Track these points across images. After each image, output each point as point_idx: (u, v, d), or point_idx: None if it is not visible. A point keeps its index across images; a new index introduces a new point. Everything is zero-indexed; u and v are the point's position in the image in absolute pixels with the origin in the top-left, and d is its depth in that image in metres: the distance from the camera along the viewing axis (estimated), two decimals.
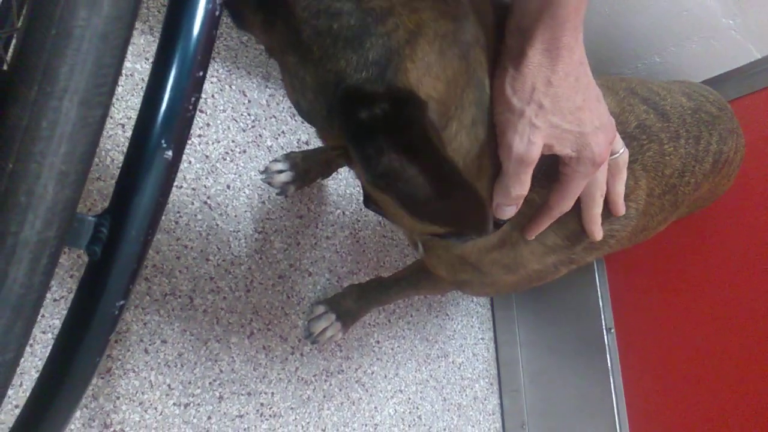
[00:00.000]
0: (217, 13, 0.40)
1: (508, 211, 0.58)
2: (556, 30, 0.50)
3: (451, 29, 0.49)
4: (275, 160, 1.23)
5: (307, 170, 1.24)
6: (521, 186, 0.55)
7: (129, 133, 1.05)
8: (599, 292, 1.37)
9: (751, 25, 1.14)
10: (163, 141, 0.39)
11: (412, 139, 0.44)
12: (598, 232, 0.66)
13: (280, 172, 1.22)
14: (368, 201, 0.68)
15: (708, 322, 1.18)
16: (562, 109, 0.52)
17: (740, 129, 1.02)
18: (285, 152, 1.25)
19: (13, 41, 0.82)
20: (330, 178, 1.32)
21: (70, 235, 0.37)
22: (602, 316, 1.35)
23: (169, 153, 0.39)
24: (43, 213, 0.32)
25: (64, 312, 0.92)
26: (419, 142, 0.44)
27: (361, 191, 0.71)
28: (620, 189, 0.65)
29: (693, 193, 0.90)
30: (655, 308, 1.28)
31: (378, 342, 1.34)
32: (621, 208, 0.66)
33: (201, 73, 0.40)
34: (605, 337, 1.34)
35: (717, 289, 1.17)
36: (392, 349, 1.36)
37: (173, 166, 0.40)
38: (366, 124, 0.46)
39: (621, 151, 0.64)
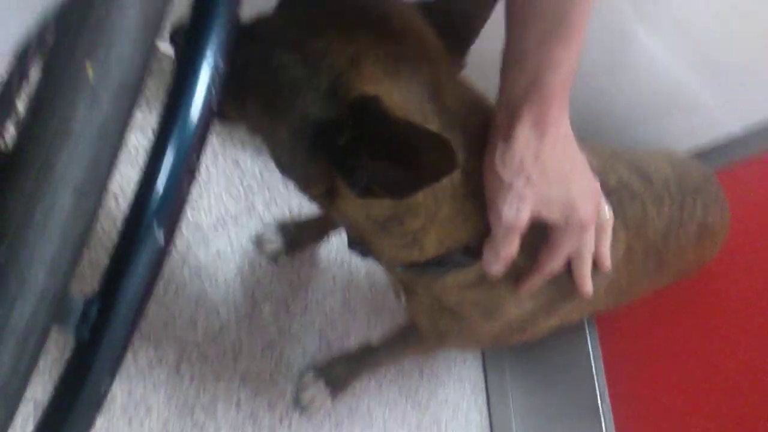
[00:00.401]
0: (214, 97, 0.42)
1: (497, 269, 0.61)
2: (543, 106, 0.53)
3: (393, 50, 0.53)
4: (267, 229, 1.24)
5: (299, 238, 1.24)
6: (510, 248, 0.58)
7: (123, 205, 1.06)
8: (591, 357, 1.36)
9: (729, 99, 1.18)
10: (155, 223, 0.40)
11: (378, 131, 0.48)
12: (588, 288, 0.68)
13: (272, 241, 1.23)
14: (352, 243, 0.71)
15: (703, 386, 1.17)
16: (549, 180, 0.55)
17: (725, 199, 1.04)
18: (276, 221, 1.26)
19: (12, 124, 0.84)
20: (320, 245, 1.33)
21: (59, 317, 0.37)
22: (595, 382, 1.34)
23: (161, 235, 0.40)
24: (32, 300, 0.33)
25: (48, 384, 0.91)
26: (382, 130, 0.48)
27: (346, 240, 0.73)
28: (605, 247, 0.68)
29: (678, 260, 0.91)
30: (649, 372, 1.27)
31: (369, 409, 1.31)
32: (607, 264, 0.69)
33: (196, 157, 0.41)
34: (599, 402, 1.32)
35: (711, 352, 1.17)
36: (383, 416, 1.33)
37: (165, 249, 0.40)
38: (344, 147, 0.50)
39: (607, 213, 0.67)
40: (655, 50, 1.06)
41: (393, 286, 0.84)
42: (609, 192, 0.72)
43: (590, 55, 1.08)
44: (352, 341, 1.33)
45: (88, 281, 0.98)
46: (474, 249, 0.61)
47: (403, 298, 0.80)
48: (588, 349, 1.37)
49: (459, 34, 0.58)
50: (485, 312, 0.72)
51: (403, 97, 0.53)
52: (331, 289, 1.34)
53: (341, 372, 1.19)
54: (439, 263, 0.64)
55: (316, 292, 1.31)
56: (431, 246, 0.61)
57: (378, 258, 0.70)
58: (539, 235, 0.61)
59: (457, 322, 0.76)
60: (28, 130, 0.32)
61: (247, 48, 0.53)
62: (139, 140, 1.13)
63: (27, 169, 0.32)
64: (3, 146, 0.72)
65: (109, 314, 0.38)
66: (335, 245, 1.39)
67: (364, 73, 0.52)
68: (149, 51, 0.35)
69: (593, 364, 1.35)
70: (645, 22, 1.01)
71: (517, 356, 1.53)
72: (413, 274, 0.70)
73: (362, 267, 1.43)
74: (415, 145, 0.46)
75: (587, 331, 1.38)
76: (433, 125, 0.54)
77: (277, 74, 0.53)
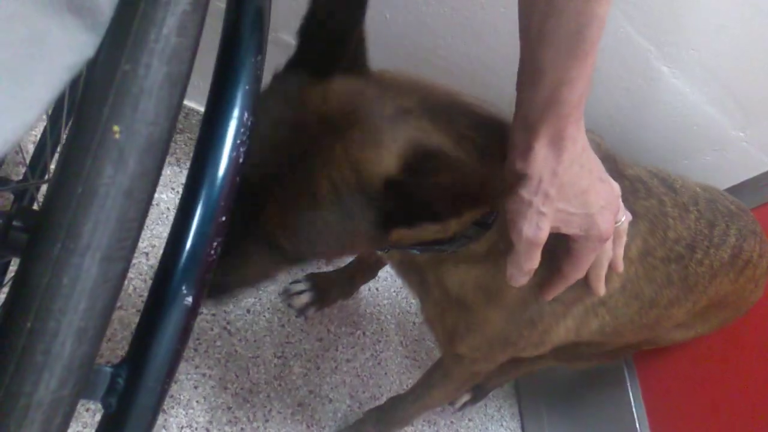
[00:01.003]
0: (240, 160, 0.41)
1: (521, 281, 0.63)
2: (560, 123, 0.53)
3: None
4: (295, 281, 1.23)
5: (328, 291, 1.23)
6: (532, 262, 0.60)
7: (153, 261, 1.06)
8: (634, 410, 1.30)
9: (762, 136, 1.16)
10: (183, 287, 0.39)
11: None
12: (601, 288, 0.70)
13: (301, 293, 1.22)
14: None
15: (749, 424, 1.10)
16: (567, 196, 0.56)
17: (764, 235, 1.00)
18: (305, 274, 1.25)
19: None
20: (350, 298, 1.31)
21: (86, 387, 0.36)
22: (636, 421, 1.27)
23: (189, 299, 0.39)
24: (59, 371, 0.31)
25: None
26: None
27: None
28: (620, 250, 0.69)
29: (709, 281, 0.88)
30: (695, 423, 1.20)
31: None
32: (620, 266, 0.70)
33: (224, 218, 0.40)
34: None
35: (755, 396, 1.10)
36: None
37: (193, 312, 0.39)
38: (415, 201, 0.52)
39: (623, 219, 0.67)
40: (683, 88, 1.05)
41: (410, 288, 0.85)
42: (622, 179, 0.74)
43: (616, 95, 1.08)
44: (384, 400, 1.29)
45: (118, 341, 0.97)
46: (485, 221, 0.63)
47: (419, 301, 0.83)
48: (629, 397, 1.31)
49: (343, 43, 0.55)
50: (488, 294, 0.72)
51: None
52: (362, 346, 1.31)
53: (371, 430, 1.14)
54: (454, 239, 0.64)
55: (346, 349, 1.28)
56: (455, 224, 0.62)
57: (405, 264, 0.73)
58: (558, 239, 0.62)
59: (463, 315, 0.76)
60: (54, 192, 0.32)
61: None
62: (169, 197, 1.14)
63: (53, 233, 0.31)
64: (38, 206, 0.73)
65: (137, 383, 0.37)
66: (364, 299, 1.36)
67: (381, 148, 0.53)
68: (176, 110, 0.34)
69: (635, 412, 1.29)
70: (669, 62, 1.00)
71: (557, 411, 1.47)
72: (431, 254, 0.70)
73: (392, 321, 1.40)
74: (473, 183, 0.49)
75: (627, 377, 1.32)
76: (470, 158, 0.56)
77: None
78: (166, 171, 1.16)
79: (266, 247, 0.55)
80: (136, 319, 0.40)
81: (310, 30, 0.54)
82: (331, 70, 0.53)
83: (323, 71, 0.53)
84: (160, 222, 1.11)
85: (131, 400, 0.37)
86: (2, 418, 0.30)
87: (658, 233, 0.79)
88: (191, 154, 0.42)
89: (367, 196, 0.52)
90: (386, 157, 0.51)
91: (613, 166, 0.75)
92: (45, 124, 0.87)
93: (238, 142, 0.42)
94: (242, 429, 1.07)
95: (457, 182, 0.49)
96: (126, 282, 1.11)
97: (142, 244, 1.07)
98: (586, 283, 0.69)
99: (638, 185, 0.78)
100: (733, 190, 1.22)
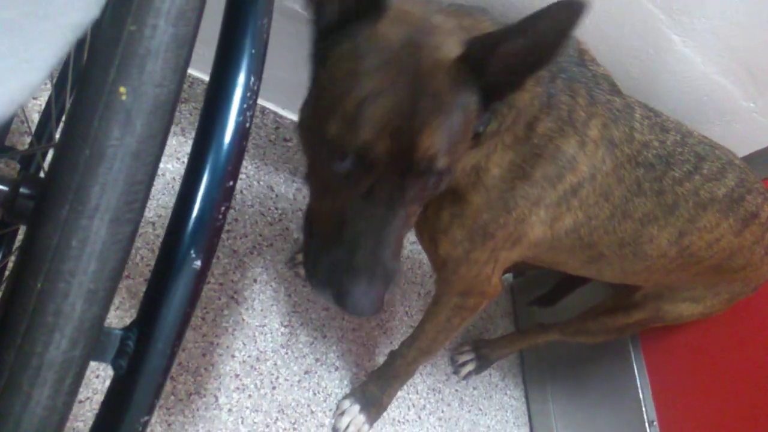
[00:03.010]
0: (247, 125, 0.41)
1: None
2: None
3: None
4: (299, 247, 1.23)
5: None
6: None
7: (159, 231, 1.06)
8: (639, 384, 1.30)
9: None
10: (192, 251, 0.39)
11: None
12: None
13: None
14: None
15: (755, 414, 1.10)
16: None
17: None
18: None
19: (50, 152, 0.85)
20: None
21: (96, 349, 0.36)
22: (644, 409, 1.28)
23: (198, 263, 0.39)
24: (69, 332, 0.32)
25: (88, 414, 0.91)
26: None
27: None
28: None
29: (696, 210, 0.90)
30: (699, 399, 1.21)
31: None
32: None
33: (231, 183, 0.40)
34: (648, 430, 1.26)
35: (762, 380, 1.11)
36: None
37: (202, 275, 0.39)
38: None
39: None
40: (694, 58, 1.04)
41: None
42: (586, 70, 0.81)
43: (626, 64, 1.07)
44: None
45: (126, 309, 0.98)
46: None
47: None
48: (635, 376, 1.31)
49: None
50: (476, 175, 0.79)
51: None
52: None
53: (374, 390, 1.16)
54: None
55: (352, 319, 1.29)
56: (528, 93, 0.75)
57: None
58: None
59: (451, 206, 0.83)
60: (62, 155, 0.32)
61: None
62: (175, 167, 1.14)
63: (62, 196, 0.31)
64: (42, 173, 0.73)
65: (147, 345, 0.37)
66: None
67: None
68: (182, 72, 0.34)
69: (640, 390, 1.30)
70: (680, 31, 0.99)
71: (561, 383, 1.48)
72: None
73: (398, 292, 1.41)
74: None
75: (632, 355, 1.33)
76: None
77: None
78: (171, 141, 1.15)
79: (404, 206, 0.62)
80: (144, 288, 0.40)
81: None
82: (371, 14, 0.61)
83: (369, 16, 0.61)
84: (166, 192, 1.11)
85: (141, 362, 0.38)
86: (15, 377, 0.31)
87: (622, 127, 0.82)
88: (196, 124, 0.42)
89: (463, 85, 0.61)
90: (454, 49, 0.61)
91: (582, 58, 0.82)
92: (50, 92, 0.86)
93: (245, 106, 0.41)
94: (250, 396, 1.08)
95: (517, 47, 0.58)
96: (133, 251, 1.12)
97: (149, 214, 1.08)
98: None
99: (603, 82, 0.82)
100: (743, 161, 1.21)
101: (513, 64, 0.60)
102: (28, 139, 0.99)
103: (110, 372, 0.39)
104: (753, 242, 0.97)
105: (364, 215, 0.61)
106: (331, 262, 0.61)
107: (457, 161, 0.66)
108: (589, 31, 0.97)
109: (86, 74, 0.32)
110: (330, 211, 0.63)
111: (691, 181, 0.88)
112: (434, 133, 0.58)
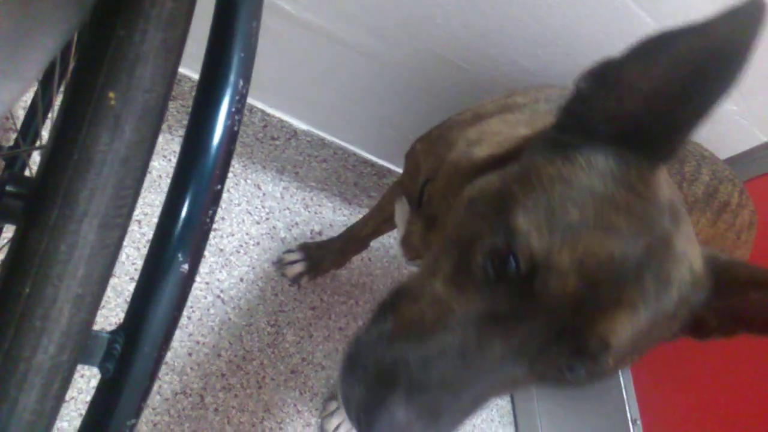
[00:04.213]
0: (235, 128, 0.41)
1: None
2: None
3: None
4: (289, 251, 1.23)
5: (321, 260, 1.23)
6: None
7: (145, 229, 1.06)
8: (622, 383, 1.32)
9: (755, 110, 1.16)
10: (179, 255, 0.39)
11: None
12: None
13: (294, 262, 1.22)
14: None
15: (737, 411, 1.12)
16: None
17: (743, 185, 1.02)
18: (299, 243, 1.26)
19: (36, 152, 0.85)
20: (343, 268, 1.31)
21: (84, 352, 0.36)
22: (627, 408, 1.30)
23: (185, 266, 0.39)
24: (57, 337, 0.32)
25: (73, 413, 0.90)
26: None
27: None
28: None
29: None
30: (682, 397, 1.22)
31: None
32: None
33: (219, 187, 0.40)
34: (631, 428, 1.28)
35: (745, 377, 1.13)
36: None
37: (189, 279, 0.39)
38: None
39: None
40: None
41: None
42: None
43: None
44: None
45: (112, 308, 0.97)
46: None
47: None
48: (618, 373, 1.33)
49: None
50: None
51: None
52: (354, 315, 1.33)
53: None
54: None
55: (339, 318, 1.30)
56: None
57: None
58: None
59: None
60: (50, 159, 0.32)
61: None
62: (162, 165, 1.13)
63: (50, 200, 0.31)
64: (30, 174, 0.73)
65: (134, 348, 0.37)
66: (357, 269, 1.37)
67: None
68: (171, 76, 0.34)
69: (624, 389, 1.31)
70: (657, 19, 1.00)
71: None
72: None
73: (385, 290, 1.41)
74: None
75: None
76: None
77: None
78: (158, 139, 1.15)
79: None
80: (130, 287, 0.40)
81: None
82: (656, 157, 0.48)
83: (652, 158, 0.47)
84: (152, 189, 1.10)
85: (128, 365, 0.38)
86: (3, 382, 0.31)
87: None
88: (184, 122, 0.42)
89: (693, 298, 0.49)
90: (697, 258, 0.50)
91: None
92: (35, 88, 0.86)
93: (233, 110, 0.41)
94: (236, 395, 1.08)
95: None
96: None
97: (136, 212, 1.07)
98: None
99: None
100: (726, 163, 1.23)
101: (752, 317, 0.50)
102: (13, 136, 0.99)
103: (95, 371, 0.39)
104: (725, 229, 0.98)
105: (480, 343, 0.44)
106: (386, 358, 0.44)
107: (621, 366, 0.49)
108: (573, 34, 0.97)
109: (75, 79, 0.32)
110: (439, 301, 0.47)
111: (681, 189, 0.88)
112: (635, 318, 0.44)
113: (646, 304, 0.44)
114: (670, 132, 0.46)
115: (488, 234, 0.47)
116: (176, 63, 0.35)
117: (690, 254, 0.48)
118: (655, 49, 0.43)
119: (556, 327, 0.44)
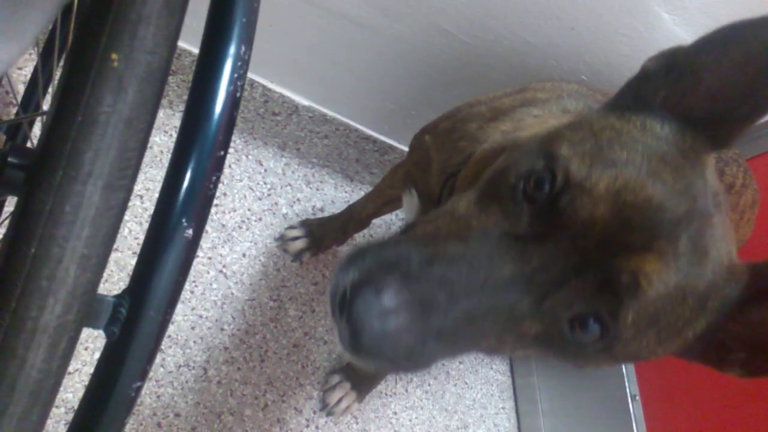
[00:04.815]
0: (238, 94, 0.41)
1: None
2: None
3: None
4: (291, 227, 1.24)
5: (323, 237, 1.24)
6: None
7: (147, 204, 1.06)
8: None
9: None
10: (183, 220, 0.39)
11: None
12: None
13: (296, 238, 1.22)
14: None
15: (736, 387, 1.13)
16: None
17: (747, 165, 1.01)
18: (300, 219, 1.26)
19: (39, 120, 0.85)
20: (344, 244, 1.32)
21: (89, 315, 0.36)
22: (626, 383, 1.31)
23: (190, 232, 0.39)
24: (63, 297, 0.32)
25: (78, 385, 0.91)
26: None
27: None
28: None
29: None
30: (681, 373, 1.23)
31: (395, 413, 1.30)
32: None
33: (222, 153, 0.40)
34: (630, 404, 1.29)
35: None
36: (410, 420, 1.32)
37: (193, 245, 0.40)
38: None
39: None
40: (684, 37, 1.04)
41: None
42: None
43: (616, 42, 1.07)
44: None
45: (115, 282, 0.98)
46: None
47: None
48: None
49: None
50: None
51: None
52: None
53: (367, 372, 1.17)
54: None
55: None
56: None
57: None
58: None
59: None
60: (54, 122, 0.32)
61: None
62: (163, 140, 1.13)
63: (55, 162, 0.31)
64: (31, 145, 0.73)
65: (139, 311, 0.38)
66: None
67: None
68: (174, 39, 0.34)
69: (624, 366, 1.32)
70: (670, 9, 0.99)
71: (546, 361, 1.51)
72: None
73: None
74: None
75: None
76: None
77: None
78: (159, 113, 1.14)
79: None
80: (132, 261, 0.40)
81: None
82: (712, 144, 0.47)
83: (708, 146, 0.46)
84: (153, 165, 1.10)
85: (134, 328, 0.38)
86: (10, 341, 0.31)
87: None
88: (184, 97, 0.42)
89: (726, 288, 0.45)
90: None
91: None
92: (35, 61, 0.85)
93: (236, 75, 0.41)
94: (239, 369, 1.09)
95: None
96: (121, 224, 1.12)
97: (137, 187, 1.07)
98: None
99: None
100: None
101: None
102: (13, 111, 0.98)
103: (99, 345, 0.40)
104: (729, 210, 0.98)
105: (491, 257, 0.41)
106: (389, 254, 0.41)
107: (633, 346, 0.44)
108: (578, 8, 0.97)
109: (77, 41, 0.32)
110: (458, 219, 0.45)
111: None
112: (665, 272, 0.41)
113: (678, 264, 0.41)
114: (729, 123, 0.45)
115: (527, 161, 0.45)
116: (178, 26, 0.35)
117: (729, 242, 0.46)
118: (728, 41, 0.43)
119: (576, 259, 0.41)
